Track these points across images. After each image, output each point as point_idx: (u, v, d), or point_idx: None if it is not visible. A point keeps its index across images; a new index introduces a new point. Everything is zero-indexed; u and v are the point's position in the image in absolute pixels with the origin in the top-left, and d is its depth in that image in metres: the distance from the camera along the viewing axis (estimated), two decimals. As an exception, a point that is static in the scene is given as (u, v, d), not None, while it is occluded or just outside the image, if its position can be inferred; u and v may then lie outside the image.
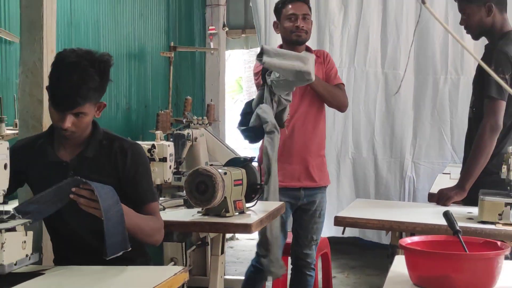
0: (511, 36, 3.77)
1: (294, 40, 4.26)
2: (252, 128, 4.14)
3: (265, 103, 4.07)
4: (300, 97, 4.25)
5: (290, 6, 4.24)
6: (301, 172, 4.30)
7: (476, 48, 4.72)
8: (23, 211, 2.48)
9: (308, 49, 4.40)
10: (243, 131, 4.25)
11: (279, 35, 4.54)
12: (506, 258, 2.48)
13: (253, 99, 4.29)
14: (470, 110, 3.97)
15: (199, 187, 3.50)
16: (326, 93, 4.26)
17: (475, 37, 3.89)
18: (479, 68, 3.79)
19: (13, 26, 3.59)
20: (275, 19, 4.47)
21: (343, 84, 4.51)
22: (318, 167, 4.37)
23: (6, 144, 2.45)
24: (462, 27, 3.94)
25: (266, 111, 4.03)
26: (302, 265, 4.39)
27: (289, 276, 4.58)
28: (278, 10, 4.35)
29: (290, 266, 4.56)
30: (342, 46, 6.46)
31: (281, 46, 4.38)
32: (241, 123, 4.27)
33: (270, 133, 4.01)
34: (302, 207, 4.35)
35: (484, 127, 3.55)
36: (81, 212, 2.64)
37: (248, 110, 4.20)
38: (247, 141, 4.43)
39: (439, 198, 3.73)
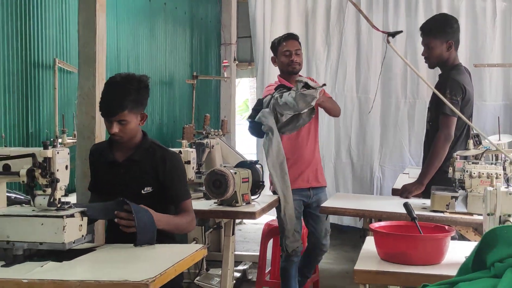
0: (461, 68, 3.84)
1: (290, 71, 4.08)
2: (255, 122, 4.00)
3: (270, 108, 3.91)
4: None
5: (284, 44, 4.07)
6: (310, 175, 4.13)
7: (429, 76, 4.73)
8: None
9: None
10: (249, 123, 4.15)
11: (275, 67, 4.38)
12: (453, 238, 2.49)
13: (265, 97, 4.09)
14: (427, 124, 3.98)
15: (215, 183, 3.53)
16: (332, 106, 4.15)
17: (432, 66, 3.90)
18: (436, 88, 3.78)
19: (73, 59, 3.59)
20: (271, 55, 4.34)
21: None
22: (320, 171, 4.27)
23: (67, 150, 2.46)
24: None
25: (266, 116, 3.89)
26: (318, 253, 4.30)
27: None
28: (274, 48, 4.19)
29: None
30: (326, 76, 6.44)
31: (280, 77, 4.18)
32: (250, 116, 4.15)
33: (266, 134, 3.90)
34: (313, 205, 4.14)
35: (439, 137, 3.58)
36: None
37: (258, 107, 4.09)
38: (249, 132, 4.32)
39: (402, 191, 3.73)
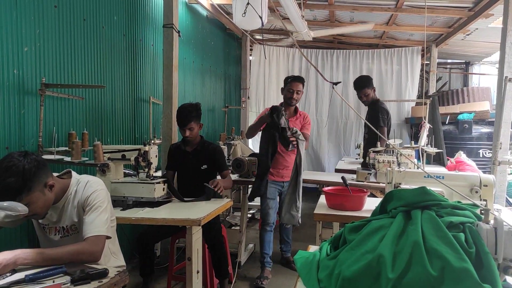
0: (380, 100, 3.79)
1: (288, 104, 3.28)
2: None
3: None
4: None
5: (292, 83, 3.25)
6: (283, 174, 3.27)
7: (354, 105, 4.70)
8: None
9: (296, 109, 3.36)
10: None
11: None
12: (369, 195, 2.47)
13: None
14: (365, 135, 3.92)
15: (237, 165, 3.52)
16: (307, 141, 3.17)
17: (367, 104, 3.82)
18: (369, 113, 3.77)
19: (159, 96, 3.61)
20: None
21: (309, 135, 3.33)
22: (289, 171, 3.18)
23: (156, 147, 2.47)
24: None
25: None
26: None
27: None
28: (285, 81, 3.33)
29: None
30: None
31: (281, 104, 3.29)
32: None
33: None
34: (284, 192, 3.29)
35: (381, 138, 3.43)
36: (189, 180, 2.72)
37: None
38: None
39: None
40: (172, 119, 3.19)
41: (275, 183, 3.30)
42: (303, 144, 2.94)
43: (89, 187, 1.62)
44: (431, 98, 4.61)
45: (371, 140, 3.70)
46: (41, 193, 1.48)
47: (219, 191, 2.56)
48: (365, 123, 3.93)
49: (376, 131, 1.91)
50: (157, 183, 2.34)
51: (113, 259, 1.74)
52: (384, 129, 3.57)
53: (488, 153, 4.99)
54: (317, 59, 6.37)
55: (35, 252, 1.37)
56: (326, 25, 5.40)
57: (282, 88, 3.38)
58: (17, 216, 1.47)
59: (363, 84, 3.75)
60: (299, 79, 3.32)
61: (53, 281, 1.25)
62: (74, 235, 1.64)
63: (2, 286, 1.21)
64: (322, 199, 2.49)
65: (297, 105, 3.38)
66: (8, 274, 1.30)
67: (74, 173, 1.70)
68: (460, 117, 5.23)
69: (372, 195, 3.03)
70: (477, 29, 4.84)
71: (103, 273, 1.30)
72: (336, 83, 1.79)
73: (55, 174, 1.65)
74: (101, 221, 1.55)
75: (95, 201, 1.59)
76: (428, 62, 6.08)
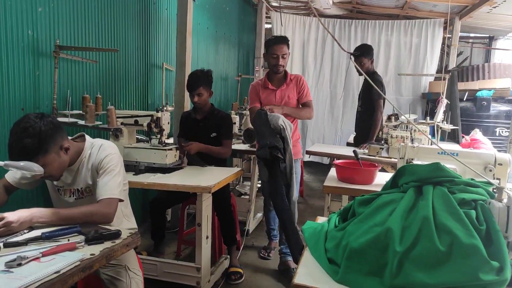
0: (377, 73, 3.69)
1: (274, 72, 2.81)
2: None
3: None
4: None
5: (274, 47, 2.75)
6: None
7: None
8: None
9: (285, 73, 2.86)
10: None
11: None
12: (380, 170, 2.46)
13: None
14: (359, 108, 3.84)
15: (248, 135, 3.51)
16: (295, 115, 2.79)
17: (361, 74, 3.73)
18: (364, 85, 3.69)
19: (172, 63, 3.58)
20: None
21: (311, 100, 2.88)
22: (297, 147, 2.88)
23: (168, 113, 2.47)
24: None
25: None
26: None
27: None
28: (266, 46, 2.83)
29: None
30: (313, 78, 6.32)
31: (267, 74, 2.91)
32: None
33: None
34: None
35: (377, 112, 3.44)
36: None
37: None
38: None
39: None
40: (185, 86, 3.18)
41: None
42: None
43: (102, 151, 1.64)
44: (450, 73, 4.48)
45: (363, 112, 3.65)
46: (57, 155, 1.50)
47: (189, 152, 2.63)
48: (359, 96, 3.88)
49: (392, 105, 1.88)
50: (169, 149, 2.37)
51: (125, 222, 1.79)
52: (380, 101, 3.51)
53: (505, 132, 4.88)
54: (334, 29, 6.19)
55: (50, 211, 1.41)
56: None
57: (264, 53, 2.88)
58: (32, 177, 1.51)
59: (361, 52, 3.63)
60: (283, 40, 2.79)
61: (68, 240, 1.30)
62: (88, 197, 1.68)
63: (21, 242, 1.26)
64: (332, 172, 2.48)
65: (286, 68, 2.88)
66: (25, 231, 1.35)
67: (87, 137, 1.72)
68: (479, 94, 5.09)
69: (383, 170, 3.02)
70: (505, 1, 4.61)
71: (116, 234, 1.34)
72: (354, 54, 1.74)
73: (69, 138, 1.67)
74: (114, 184, 1.59)
75: (108, 164, 1.62)
76: (450, 36, 5.86)
